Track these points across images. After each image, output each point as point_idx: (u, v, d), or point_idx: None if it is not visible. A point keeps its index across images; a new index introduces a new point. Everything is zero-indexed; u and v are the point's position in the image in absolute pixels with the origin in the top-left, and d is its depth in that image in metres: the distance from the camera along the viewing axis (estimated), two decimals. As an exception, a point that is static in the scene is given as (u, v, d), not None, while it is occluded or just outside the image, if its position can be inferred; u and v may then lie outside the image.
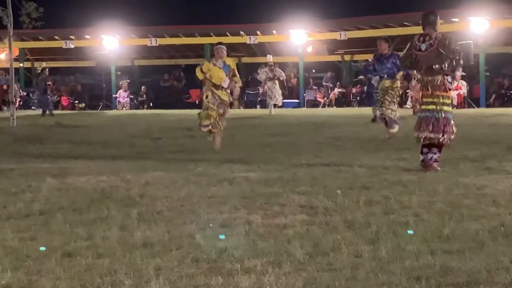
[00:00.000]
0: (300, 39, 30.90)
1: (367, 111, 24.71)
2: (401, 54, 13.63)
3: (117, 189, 7.31)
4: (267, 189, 7.13)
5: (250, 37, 31.34)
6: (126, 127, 17.80)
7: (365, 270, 4.07)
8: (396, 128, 12.58)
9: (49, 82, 26.04)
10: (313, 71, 36.74)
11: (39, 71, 26.13)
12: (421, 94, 8.51)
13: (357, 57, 35.13)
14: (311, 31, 30.80)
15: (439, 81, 8.11)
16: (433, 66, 8.11)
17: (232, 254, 4.49)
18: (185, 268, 4.23)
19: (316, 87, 32.67)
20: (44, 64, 26.76)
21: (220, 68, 11.27)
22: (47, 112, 25.38)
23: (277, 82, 24.99)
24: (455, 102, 26.78)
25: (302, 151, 10.86)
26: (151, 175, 8.33)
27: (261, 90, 32.02)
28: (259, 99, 31.64)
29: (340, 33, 30.18)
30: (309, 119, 20.19)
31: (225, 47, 11.52)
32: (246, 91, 32.63)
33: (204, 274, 4.08)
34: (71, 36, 33.30)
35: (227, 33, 32.26)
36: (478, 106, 26.32)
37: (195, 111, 27.40)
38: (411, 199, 6.31)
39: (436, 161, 8.24)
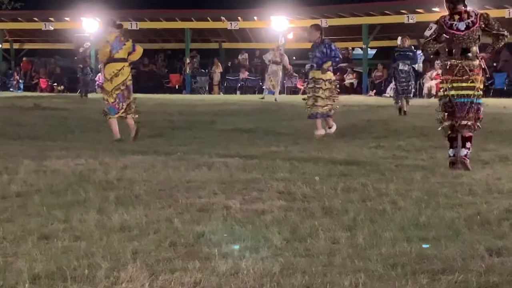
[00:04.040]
0: (281, 25, 30.85)
1: (346, 98, 24.79)
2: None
3: (95, 172, 7.28)
4: (245, 175, 7.14)
5: (231, 23, 31.25)
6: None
7: (342, 256, 4.10)
8: (320, 131, 11.07)
9: (86, 64, 26.06)
10: (294, 58, 36.73)
11: (82, 50, 26.09)
12: (449, 79, 7.52)
13: (337, 44, 35.08)
14: (292, 17, 30.77)
15: (476, 65, 7.46)
16: (470, 48, 7.42)
17: (210, 239, 4.50)
18: (162, 252, 4.23)
19: (296, 74, 32.67)
20: (88, 44, 26.60)
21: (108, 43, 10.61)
22: (82, 92, 25.48)
23: (281, 68, 24.77)
24: (434, 91, 26.92)
25: (281, 138, 10.87)
26: (130, 159, 8.31)
27: (241, 76, 32.00)
28: (239, 84, 31.61)
29: (321, 20, 30.17)
30: (288, 106, 20.20)
31: (105, 22, 10.93)
32: (226, 77, 32.58)
33: (181, 258, 4.08)
34: (50, 18, 33.01)
35: (208, 18, 32.16)
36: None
37: (175, 96, 27.28)
38: (388, 186, 6.35)
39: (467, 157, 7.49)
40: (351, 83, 30.90)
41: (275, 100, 23.22)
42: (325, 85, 11.05)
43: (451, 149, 7.64)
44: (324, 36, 11.29)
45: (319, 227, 4.76)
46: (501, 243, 4.36)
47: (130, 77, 10.85)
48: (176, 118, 15.43)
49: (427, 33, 7.56)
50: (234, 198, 5.92)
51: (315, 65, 11.06)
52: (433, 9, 27.89)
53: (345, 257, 4.08)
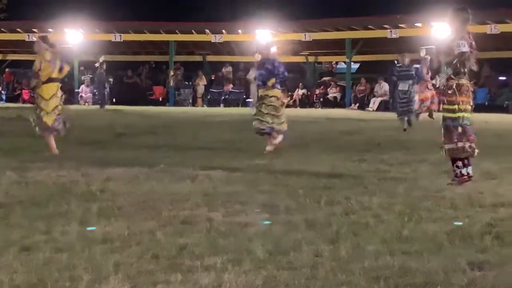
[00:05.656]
0: (265, 39, 30.91)
1: (329, 112, 24.87)
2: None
3: (78, 184, 7.25)
4: (229, 188, 7.13)
5: (215, 36, 31.27)
6: (88, 123, 17.63)
7: (325, 270, 4.10)
8: (278, 139, 10.94)
9: (111, 79, 26.54)
10: (286, 74, 36.76)
11: (98, 65, 26.41)
12: (465, 100, 7.40)
13: (321, 58, 35.31)
14: (276, 31, 30.86)
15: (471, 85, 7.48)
16: (471, 68, 7.41)
17: (192, 251, 4.48)
18: (144, 264, 4.21)
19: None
20: (102, 58, 26.81)
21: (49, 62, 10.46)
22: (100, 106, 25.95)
23: None
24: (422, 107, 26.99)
25: (265, 151, 10.85)
26: (113, 171, 8.27)
27: (225, 89, 32.01)
28: (222, 97, 31.59)
29: (305, 34, 30.28)
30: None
31: (39, 39, 10.74)
32: (210, 90, 32.57)
33: (163, 271, 4.06)
34: (34, 29, 32.85)
35: (193, 30, 32.16)
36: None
37: (158, 108, 27.18)
38: (371, 200, 6.37)
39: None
40: (335, 97, 31.01)
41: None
42: (269, 101, 10.88)
43: (465, 168, 7.47)
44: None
45: (302, 240, 4.76)
46: (483, 257, 4.38)
47: (62, 97, 10.78)
48: (159, 130, 15.40)
49: (464, 48, 7.28)
50: (217, 210, 5.91)
51: (260, 83, 10.99)
52: (416, 24, 28.12)
53: (328, 270, 4.08)
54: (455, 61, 7.32)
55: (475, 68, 7.47)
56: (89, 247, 4.56)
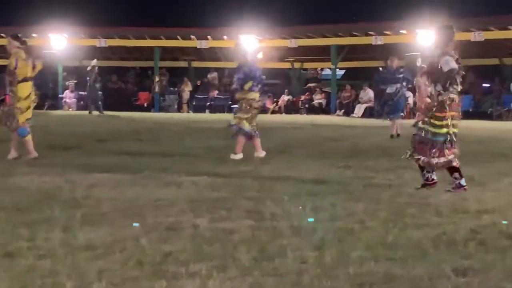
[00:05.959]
0: (251, 45, 30.93)
1: (315, 118, 24.93)
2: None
3: (62, 190, 7.20)
4: (214, 194, 7.12)
5: (200, 41, 31.26)
6: (72, 128, 17.55)
7: (310, 276, 4.09)
8: (237, 156, 10.75)
9: (98, 84, 26.47)
10: (263, 77, 36.78)
11: (89, 70, 26.36)
12: (450, 114, 7.46)
13: (306, 65, 35.41)
14: (262, 37, 30.91)
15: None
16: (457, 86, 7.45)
17: (177, 258, 4.46)
18: (128, 271, 4.19)
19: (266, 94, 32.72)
20: (94, 62, 26.72)
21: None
22: (98, 111, 25.64)
23: None
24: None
25: (250, 157, 10.85)
26: (97, 177, 8.23)
27: (210, 95, 31.99)
28: (208, 103, 31.57)
29: (291, 41, 30.35)
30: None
31: (11, 38, 10.80)
32: (195, 96, 32.54)
33: (148, 278, 4.04)
34: (18, 34, 32.69)
35: (178, 36, 32.14)
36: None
37: (143, 114, 27.10)
38: (356, 206, 6.37)
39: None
40: (320, 103, 31.08)
41: None
42: (247, 103, 10.86)
43: (434, 173, 7.68)
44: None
45: (287, 247, 4.75)
46: (467, 263, 4.40)
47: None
48: (144, 136, 15.36)
49: (453, 64, 7.33)
50: (202, 216, 5.88)
51: (239, 87, 10.95)
52: (401, 31, 28.27)
53: (313, 277, 4.08)
54: (444, 78, 7.33)
55: (459, 87, 7.45)
56: (72, 254, 4.53)
